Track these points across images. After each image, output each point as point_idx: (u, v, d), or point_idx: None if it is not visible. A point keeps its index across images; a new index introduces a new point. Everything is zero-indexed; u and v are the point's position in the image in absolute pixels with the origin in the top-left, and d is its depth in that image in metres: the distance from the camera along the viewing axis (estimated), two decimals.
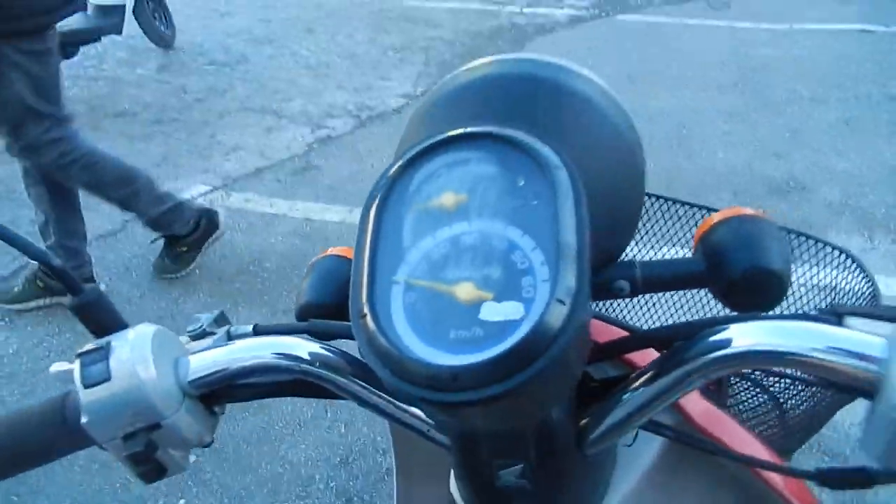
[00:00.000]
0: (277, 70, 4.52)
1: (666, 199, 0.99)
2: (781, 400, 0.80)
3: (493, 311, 0.32)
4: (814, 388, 0.76)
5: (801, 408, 0.78)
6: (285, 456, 1.75)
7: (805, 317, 0.37)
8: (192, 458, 0.50)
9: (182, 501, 1.64)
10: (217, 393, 0.47)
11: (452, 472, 0.50)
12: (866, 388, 0.34)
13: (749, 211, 0.43)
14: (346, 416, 1.86)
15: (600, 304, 0.94)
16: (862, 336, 0.34)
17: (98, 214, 2.67)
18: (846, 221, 2.69)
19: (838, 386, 0.40)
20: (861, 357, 0.34)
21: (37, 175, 2.19)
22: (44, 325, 2.24)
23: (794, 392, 0.78)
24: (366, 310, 0.33)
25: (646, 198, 0.92)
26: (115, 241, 2.72)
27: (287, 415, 1.87)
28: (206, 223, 2.45)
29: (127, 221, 2.81)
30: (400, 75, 4.43)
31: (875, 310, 0.37)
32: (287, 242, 2.65)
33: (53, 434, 0.44)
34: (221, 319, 0.51)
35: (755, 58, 4.47)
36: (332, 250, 0.53)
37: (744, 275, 0.40)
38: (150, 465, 0.44)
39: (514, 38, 5.15)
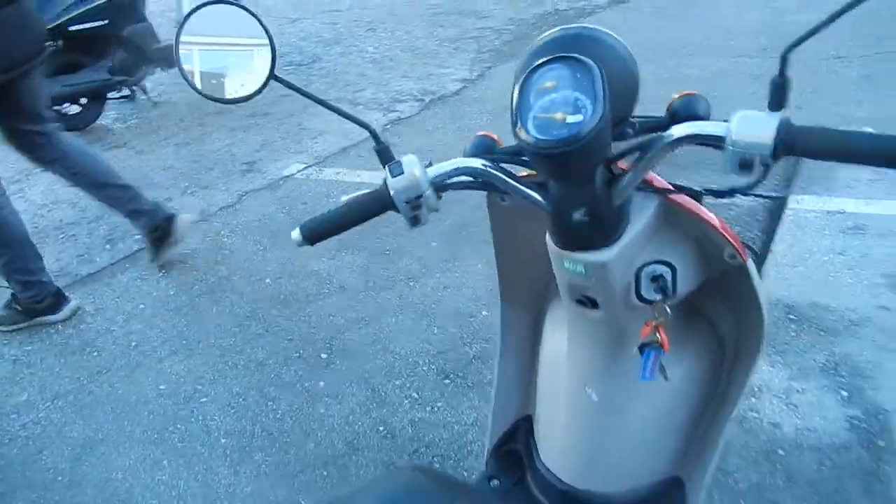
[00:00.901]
0: (347, 66, 5.08)
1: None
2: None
3: (570, 120, 0.79)
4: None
5: None
6: (395, 350, 2.26)
7: (705, 123, 0.83)
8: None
9: (322, 383, 2.17)
10: (441, 186, 0.94)
11: (548, 230, 0.97)
12: (720, 144, 0.79)
13: (691, 91, 0.89)
14: (440, 322, 2.36)
15: None
16: (723, 124, 0.80)
17: (216, 192, 3.27)
18: None
19: (716, 146, 0.86)
20: (718, 132, 0.79)
21: None
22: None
23: None
24: (519, 125, 0.80)
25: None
26: (234, 211, 3.30)
27: (391, 325, 2.38)
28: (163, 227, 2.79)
29: (243, 195, 3.40)
30: (456, 62, 4.92)
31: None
32: None
33: (376, 204, 0.92)
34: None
35: (787, 24, 4.77)
36: (479, 133, 1.01)
37: (684, 119, 0.86)
38: (415, 217, 0.92)
39: (557, 23, 5.56)
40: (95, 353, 2.42)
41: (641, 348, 1.09)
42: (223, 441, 1.99)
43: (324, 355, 2.28)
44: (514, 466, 1.46)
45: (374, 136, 0.93)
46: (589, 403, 1.20)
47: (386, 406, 2.05)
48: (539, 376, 1.36)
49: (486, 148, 0.99)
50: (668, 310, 1.00)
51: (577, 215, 0.85)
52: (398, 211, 0.90)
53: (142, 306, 2.65)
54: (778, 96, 0.76)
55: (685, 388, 1.24)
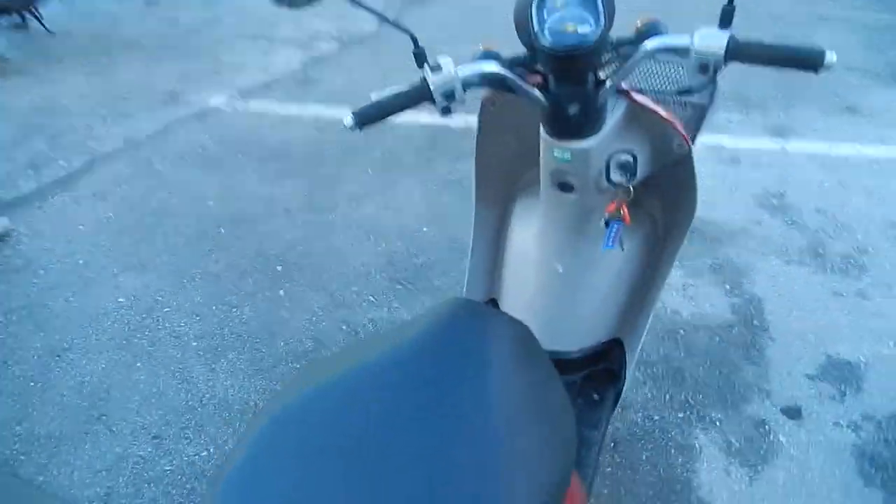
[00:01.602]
0: (259, 1, 4.98)
1: None
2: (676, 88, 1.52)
3: (580, 31, 1.01)
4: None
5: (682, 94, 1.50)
6: (347, 263, 2.44)
7: (673, 37, 1.08)
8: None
9: (281, 291, 2.31)
10: (467, 83, 1.13)
11: (542, 122, 1.19)
12: (685, 53, 1.05)
13: (652, 17, 1.14)
14: (386, 238, 2.55)
15: None
16: (686, 37, 1.05)
17: (139, 120, 3.23)
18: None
19: (681, 55, 1.12)
20: (684, 44, 1.05)
21: None
22: None
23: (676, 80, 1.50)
24: (537, 33, 1.01)
25: None
26: (163, 138, 3.27)
27: (340, 241, 2.54)
28: None
29: (169, 124, 3.38)
30: (371, 3, 4.96)
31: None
32: (307, 134, 3.26)
33: (416, 95, 1.09)
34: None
35: None
36: (482, 46, 1.21)
37: (650, 37, 1.11)
38: (447, 107, 1.10)
39: None
40: (42, 272, 2.40)
41: (607, 222, 1.36)
42: (194, 344, 2.10)
43: (279, 268, 2.41)
44: None
45: (414, 40, 1.10)
46: (555, 276, 1.47)
47: (345, 308, 2.24)
48: (505, 263, 1.60)
49: (492, 57, 1.20)
50: (632, 189, 1.27)
51: (572, 109, 1.09)
52: (433, 102, 1.09)
53: (81, 227, 2.63)
54: (727, 17, 1.03)
55: (629, 258, 1.53)
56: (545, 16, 1.02)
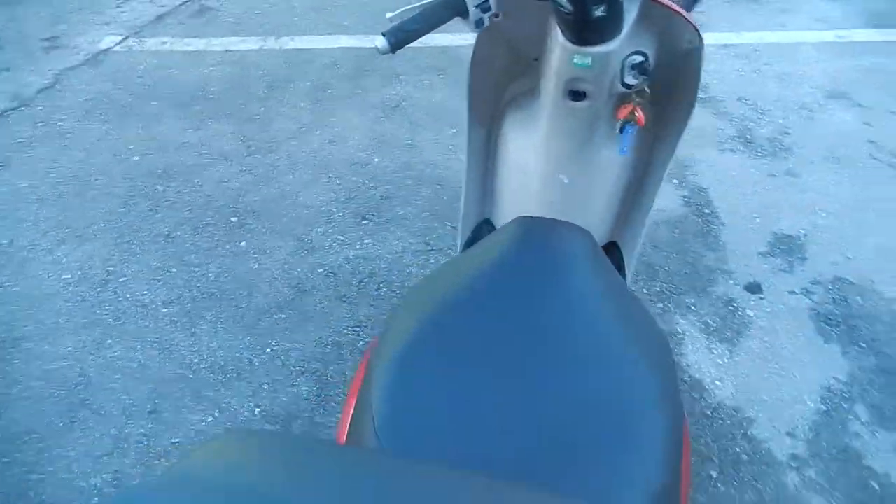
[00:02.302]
0: None
1: None
2: None
3: None
4: None
5: None
6: (304, 204, 2.34)
7: None
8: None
9: (243, 243, 2.20)
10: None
11: (561, 29, 1.16)
12: None
13: None
14: (338, 173, 2.46)
15: None
16: None
17: (23, 73, 2.87)
18: None
19: None
20: None
21: None
22: None
23: None
24: None
25: None
26: (57, 93, 2.92)
27: (291, 182, 2.42)
28: None
29: (59, 75, 3.01)
30: None
31: None
32: (221, 70, 3.02)
33: (449, 8, 1.03)
34: None
35: None
36: None
37: None
38: (480, 20, 1.05)
39: None
40: None
41: (622, 127, 1.38)
42: (164, 311, 1.97)
43: (234, 219, 2.28)
44: None
45: None
46: (559, 187, 1.48)
47: (317, 251, 2.16)
48: (498, 181, 1.60)
49: None
50: (647, 90, 1.29)
51: (598, 12, 1.08)
52: (467, 16, 1.04)
53: None
54: None
55: (627, 161, 1.57)
56: None
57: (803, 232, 2.36)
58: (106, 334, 1.90)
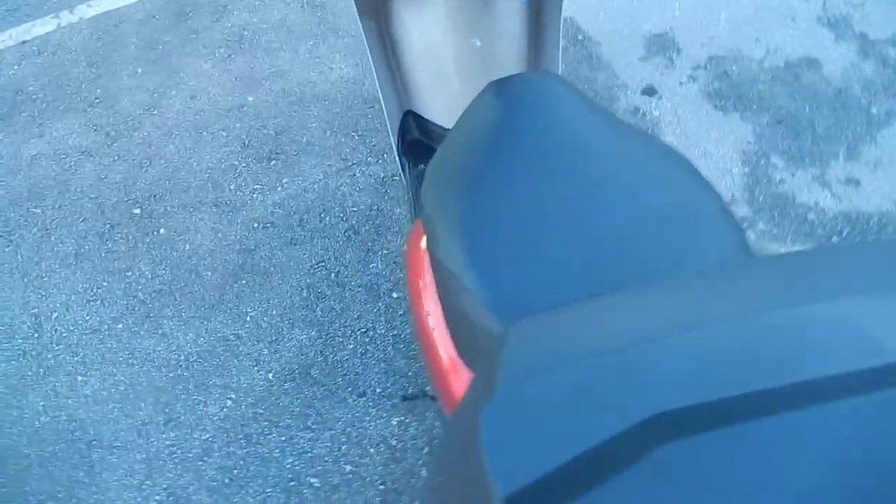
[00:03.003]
0: None
1: None
2: None
3: None
4: None
5: None
6: (199, 169, 2.23)
7: None
8: None
9: (161, 230, 2.08)
10: None
11: None
12: None
13: None
14: (218, 127, 2.34)
15: None
16: None
17: None
18: None
19: None
20: None
21: None
22: None
23: None
24: None
25: None
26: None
27: (172, 153, 2.28)
28: None
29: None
30: None
31: None
32: (28, 65, 2.68)
33: None
34: None
35: None
36: None
37: None
38: None
39: None
40: None
41: None
42: (119, 326, 1.86)
43: (136, 210, 2.13)
44: (419, 152, 1.77)
45: None
46: (474, 51, 1.54)
47: (241, 208, 2.09)
48: (409, 67, 1.62)
49: None
50: None
51: None
52: None
53: None
54: None
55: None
56: None
57: (668, 28, 2.57)
58: (73, 373, 1.78)
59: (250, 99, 2.42)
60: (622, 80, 2.40)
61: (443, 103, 1.67)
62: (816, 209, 2.00)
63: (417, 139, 1.78)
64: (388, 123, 1.65)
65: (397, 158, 1.76)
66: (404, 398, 1.60)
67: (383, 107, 1.60)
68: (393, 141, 1.70)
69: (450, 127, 1.69)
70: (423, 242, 1.11)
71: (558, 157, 0.96)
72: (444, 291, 0.91)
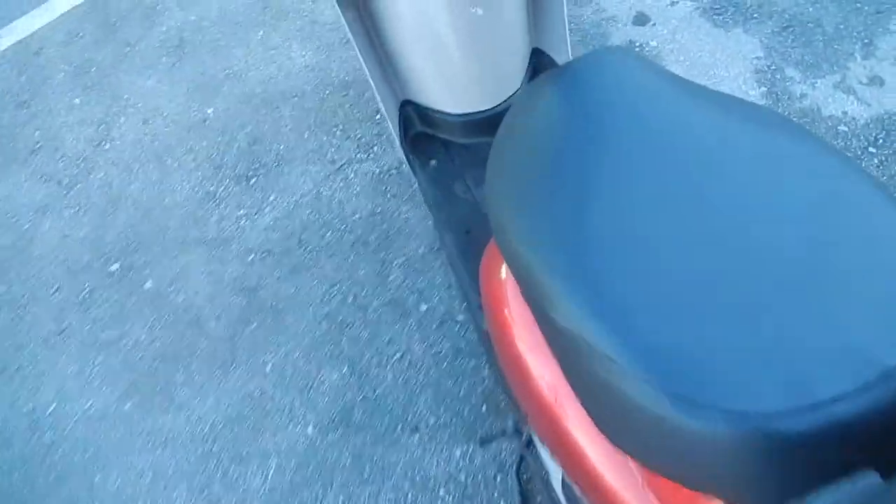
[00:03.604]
0: None
1: None
2: None
3: None
4: None
5: None
6: (175, 201, 1.96)
7: None
8: None
9: (147, 283, 1.83)
10: None
11: None
12: None
13: None
14: (184, 148, 2.06)
15: None
16: None
17: None
18: None
19: None
20: None
21: None
22: None
23: None
24: None
25: None
26: None
27: (143, 187, 2.01)
28: None
29: None
30: None
31: None
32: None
33: None
34: None
35: None
36: None
37: None
38: None
39: None
40: None
41: None
42: (127, 408, 1.63)
43: (114, 266, 1.84)
44: (427, 145, 1.54)
45: None
46: (475, 21, 1.29)
47: (230, 243, 1.82)
48: (401, 53, 1.38)
49: None
50: None
51: None
52: None
53: None
54: None
55: None
56: None
57: None
58: (88, 473, 1.55)
59: (210, 111, 2.12)
60: (610, 13, 2.14)
61: (443, 87, 1.44)
62: (846, 119, 1.80)
63: (422, 131, 1.55)
64: (386, 118, 1.42)
65: (403, 157, 1.53)
66: (483, 442, 1.42)
67: (378, 101, 1.37)
68: (396, 137, 1.48)
69: (455, 112, 1.47)
70: (504, 272, 0.89)
71: (665, 152, 0.73)
72: (571, 360, 0.69)
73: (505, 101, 1.48)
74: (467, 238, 1.39)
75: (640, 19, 2.09)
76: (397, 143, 1.48)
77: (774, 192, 0.66)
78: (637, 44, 2.02)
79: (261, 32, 2.24)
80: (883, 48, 1.92)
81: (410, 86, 1.47)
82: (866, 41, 1.94)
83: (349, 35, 1.25)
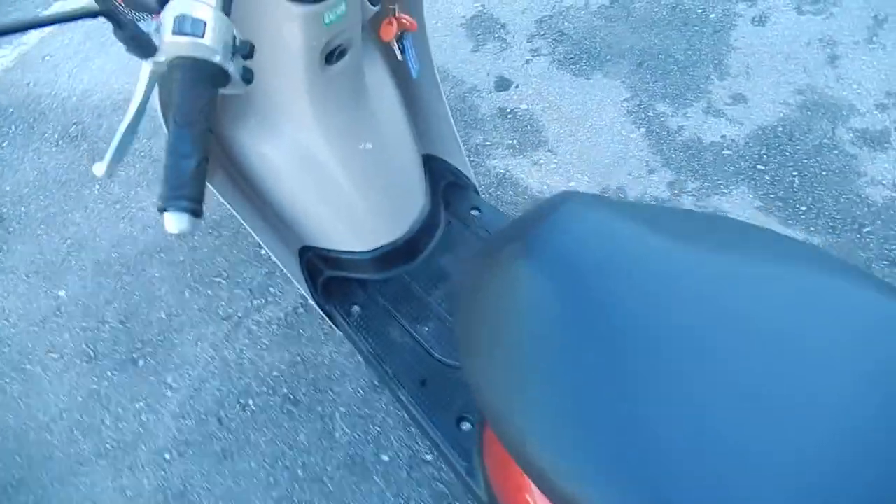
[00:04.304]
0: None
1: None
2: None
3: None
4: None
5: None
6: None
7: None
8: None
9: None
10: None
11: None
12: None
13: None
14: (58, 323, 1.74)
15: None
16: None
17: None
18: None
19: None
20: None
21: None
22: None
23: None
24: None
25: None
26: None
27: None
28: None
29: None
30: None
31: None
32: None
33: (208, 81, 0.60)
34: None
35: None
36: None
37: None
38: (248, 68, 0.64)
39: None
40: None
41: (401, 47, 1.10)
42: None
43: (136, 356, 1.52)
44: (343, 291, 1.39)
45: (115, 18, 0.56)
46: (367, 156, 1.20)
47: (137, 447, 1.55)
48: (288, 200, 1.25)
49: None
50: None
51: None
52: (228, 77, 0.61)
53: None
54: None
55: (395, 83, 1.30)
56: None
57: (479, 4, 2.29)
58: None
59: (62, 294, 1.82)
60: (470, 83, 2.09)
61: (346, 227, 1.33)
62: (727, 143, 1.87)
63: (332, 276, 1.40)
64: (287, 272, 1.26)
65: (318, 309, 1.37)
66: None
67: (271, 255, 1.22)
68: (304, 290, 1.32)
69: (365, 249, 1.35)
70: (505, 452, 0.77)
71: (665, 309, 0.63)
72: None
73: (413, 222, 1.38)
74: (424, 390, 1.25)
75: (502, 84, 2.06)
76: (307, 295, 1.32)
77: (807, 335, 0.57)
78: (507, 110, 1.99)
79: (96, 187, 1.96)
80: (733, 65, 2.02)
81: (307, 232, 1.34)
82: (716, 62, 2.04)
83: (219, 197, 1.09)
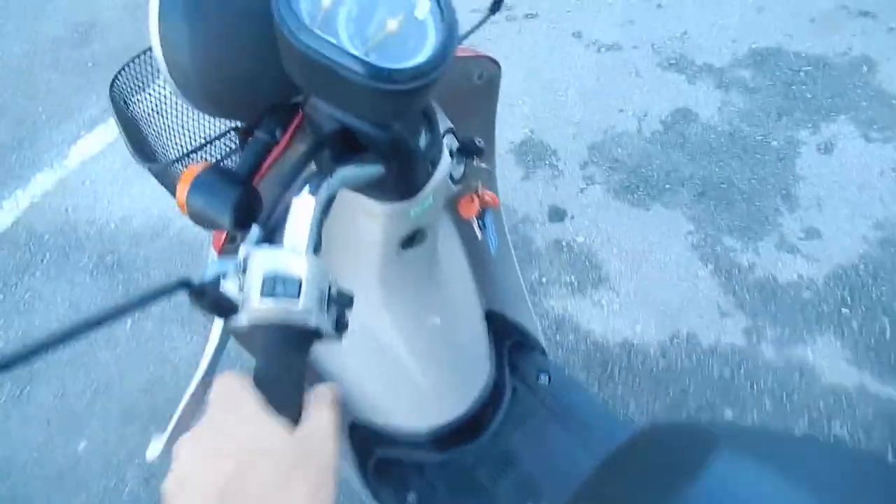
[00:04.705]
0: None
1: None
2: None
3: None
4: None
5: None
6: None
7: None
8: None
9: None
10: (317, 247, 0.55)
11: (379, 196, 0.69)
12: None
13: None
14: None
15: None
16: None
17: None
18: None
19: None
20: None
21: None
22: None
23: None
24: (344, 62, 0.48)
25: None
26: None
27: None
28: None
29: None
30: None
31: None
32: None
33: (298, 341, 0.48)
34: None
35: None
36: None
37: None
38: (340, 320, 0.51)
39: None
40: None
41: (481, 224, 1.01)
42: None
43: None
44: (397, 475, 1.24)
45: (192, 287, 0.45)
46: (436, 332, 1.09)
47: None
48: (346, 380, 1.12)
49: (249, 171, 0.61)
50: (484, 164, 0.95)
51: (423, 140, 0.71)
52: (322, 334, 0.49)
53: None
54: None
55: (462, 248, 1.20)
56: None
57: (528, 129, 2.23)
58: None
59: (82, 446, 1.68)
60: (522, 213, 1.99)
61: (406, 403, 1.20)
62: (805, 283, 1.72)
63: (384, 457, 1.24)
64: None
65: (369, 494, 1.20)
66: None
67: None
68: (353, 472, 1.16)
69: (423, 427, 1.20)
70: None
71: None
72: None
73: (479, 393, 1.23)
74: None
75: (556, 214, 1.96)
76: (356, 479, 1.16)
77: None
78: (563, 243, 1.87)
79: (128, 323, 1.85)
80: (802, 196, 1.90)
81: (359, 407, 1.20)
82: (783, 192, 1.92)
83: None
